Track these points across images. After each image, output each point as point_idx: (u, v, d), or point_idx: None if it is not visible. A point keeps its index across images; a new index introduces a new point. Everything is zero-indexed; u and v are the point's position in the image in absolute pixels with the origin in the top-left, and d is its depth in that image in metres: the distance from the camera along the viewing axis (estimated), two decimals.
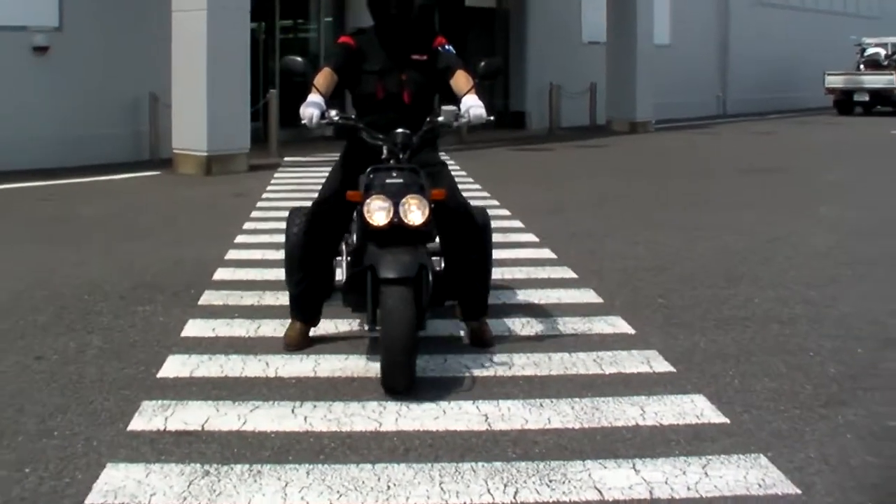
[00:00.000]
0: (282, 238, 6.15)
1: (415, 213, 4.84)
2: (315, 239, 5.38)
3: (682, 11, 29.68)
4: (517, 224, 9.90)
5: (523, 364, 5.31)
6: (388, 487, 3.79)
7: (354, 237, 5.26)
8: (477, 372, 5.17)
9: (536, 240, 9.07)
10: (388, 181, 4.92)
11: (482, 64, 5.45)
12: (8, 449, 4.13)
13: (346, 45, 5.51)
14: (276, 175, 14.35)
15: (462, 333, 5.78)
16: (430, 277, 4.86)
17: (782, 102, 34.19)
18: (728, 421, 4.52)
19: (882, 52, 33.35)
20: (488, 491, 3.76)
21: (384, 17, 5.43)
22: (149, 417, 4.50)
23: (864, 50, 33.92)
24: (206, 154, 14.35)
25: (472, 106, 5.20)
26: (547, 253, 8.45)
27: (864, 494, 3.80)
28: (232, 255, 8.28)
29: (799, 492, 3.79)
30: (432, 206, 4.92)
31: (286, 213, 6.25)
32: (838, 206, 11.51)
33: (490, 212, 7.39)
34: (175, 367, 5.26)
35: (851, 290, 7.24)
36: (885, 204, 11.73)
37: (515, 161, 17.53)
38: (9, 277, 7.41)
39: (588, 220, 10.45)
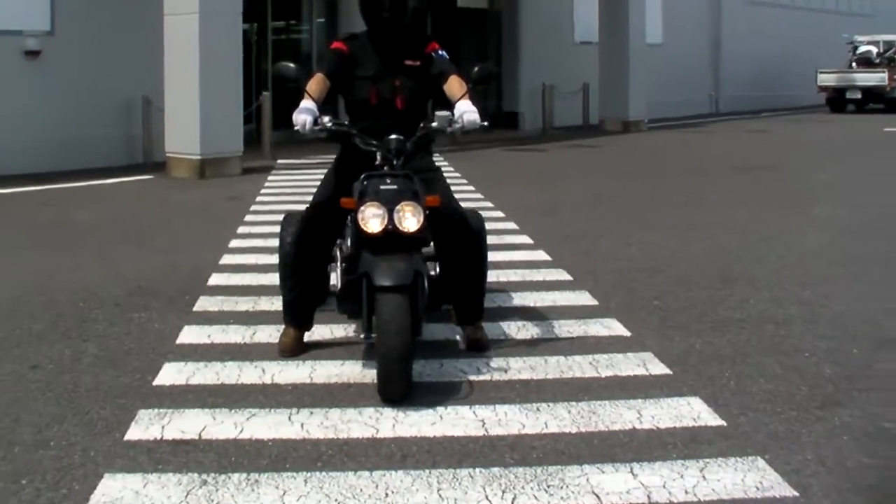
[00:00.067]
0: (276, 242, 6.16)
1: (409, 219, 4.84)
2: (308, 245, 5.37)
3: (675, 10, 29.71)
4: (511, 226, 9.90)
5: (519, 368, 5.31)
6: (386, 495, 3.79)
7: (348, 242, 5.26)
8: (473, 377, 5.17)
9: (531, 242, 9.07)
10: (382, 188, 4.91)
11: (475, 69, 5.45)
12: (4, 460, 4.12)
13: (338, 50, 5.50)
14: (269, 178, 14.35)
15: (458, 338, 5.78)
16: (426, 284, 4.86)
17: (775, 100, 34.24)
18: (725, 423, 4.52)
19: (874, 49, 33.44)
20: (486, 497, 3.76)
21: (377, 22, 5.42)
22: (145, 426, 4.49)
23: (856, 48, 33.99)
24: (199, 157, 14.33)
25: (466, 111, 5.20)
26: (541, 255, 8.46)
27: (861, 496, 3.81)
28: (226, 259, 8.28)
29: (796, 494, 3.80)
30: (427, 212, 4.91)
31: (280, 217, 6.25)
32: (831, 204, 11.54)
33: (484, 214, 7.39)
34: (171, 374, 5.25)
35: (846, 289, 7.25)
36: (878, 202, 11.76)
37: (509, 162, 17.54)
38: (4, 284, 7.39)
39: (582, 220, 10.46)
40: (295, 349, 5.55)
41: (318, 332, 5.81)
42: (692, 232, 9.65)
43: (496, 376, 5.18)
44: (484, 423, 4.51)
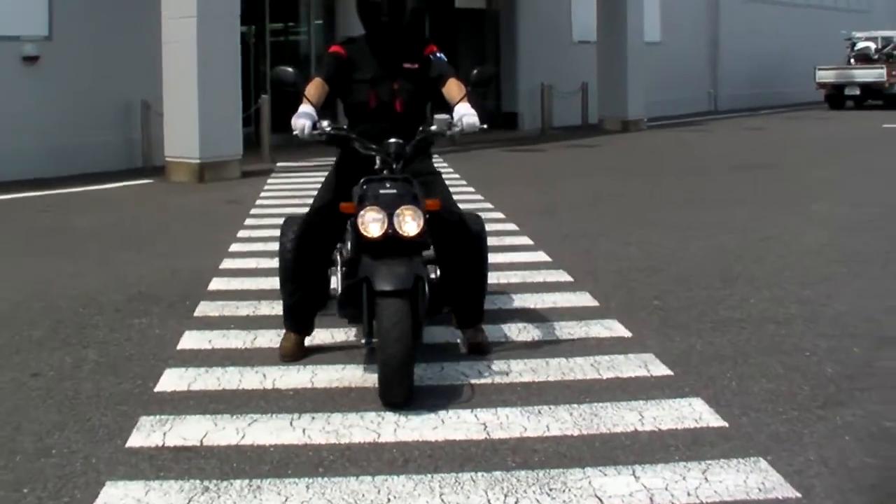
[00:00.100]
0: (276, 246, 6.16)
1: (409, 224, 4.83)
2: (308, 250, 5.36)
3: (672, 8, 29.73)
4: (511, 227, 9.90)
5: (521, 370, 5.31)
6: (389, 500, 3.78)
7: (349, 246, 5.25)
8: (474, 380, 5.17)
9: (531, 242, 9.07)
10: (381, 192, 4.90)
11: (474, 72, 5.43)
12: (6, 469, 4.11)
13: (336, 54, 5.50)
14: (269, 181, 14.35)
15: (459, 341, 5.77)
16: (426, 288, 4.86)
17: (773, 98, 34.25)
18: (726, 424, 4.52)
19: (872, 45, 33.43)
20: (488, 501, 3.76)
21: (375, 24, 5.42)
22: (147, 433, 4.49)
23: (854, 44, 34.00)
24: (198, 161, 14.34)
25: (465, 114, 5.19)
26: (542, 256, 8.45)
27: (863, 496, 3.80)
28: (227, 264, 8.27)
29: (799, 495, 3.80)
30: (427, 216, 4.91)
31: (280, 221, 6.25)
32: (830, 202, 11.54)
33: (484, 214, 7.40)
34: (172, 380, 5.25)
35: (846, 287, 7.26)
36: (877, 200, 11.74)
37: (508, 162, 17.55)
38: (5, 290, 7.39)
39: (582, 220, 10.47)
40: (296, 354, 5.55)
41: (319, 336, 5.81)
42: (692, 231, 9.65)
43: (497, 379, 5.18)
44: (486, 427, 4.51)
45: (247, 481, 3.95)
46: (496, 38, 25.28)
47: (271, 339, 5.91)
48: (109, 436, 4.48)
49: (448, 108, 5.35)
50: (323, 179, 5.64)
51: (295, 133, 5.13)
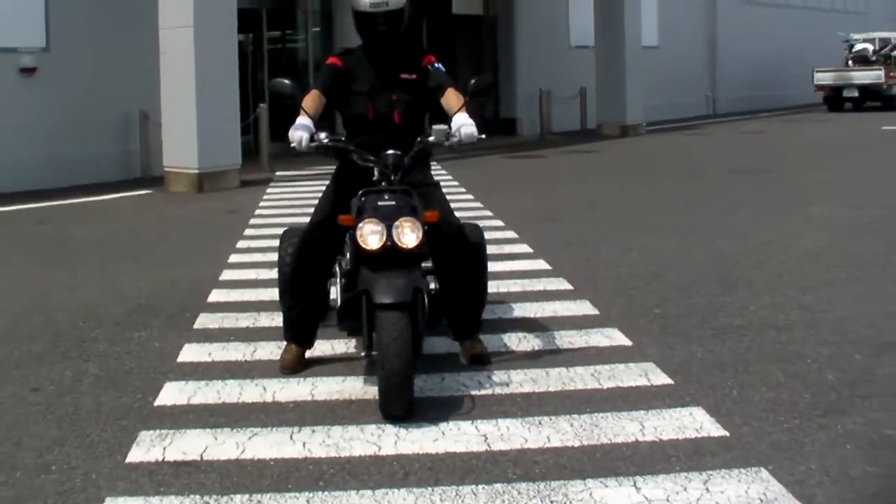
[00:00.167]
0: (275, 257, 6.15)
1: (408, 235, 4.82)
2: (308, 264, 5.36)
3: (670, 12, 29.74)
4: (511, 235, 9.90)
5: (521, 381, 5.30)
6: None
7: (348, 257, 5.25)
8: (475, 391, 5.16)
9: (531, 250, 9.06)
10: (380, 204, 4.90)
11: (472, 82, 5.43)
12: (6, 486, 4.11)
13: (333, 66, 5.49)
14: (268, 190, 14.35)
15: (459, 352, 5.76)
16: (426, 300, 4.85)
17: (772, 100, 34.27)
18: (727, 434, 4.51)
19: (870, 47, 33.45)
20: None
21: (372, 36, 5.41)
22: (147, 448, 4.48)
23: (852, 46, 34.01)
24: (197, 171, 14.34)
25: (464, 125, 5.18)
26: (542, 264, 8.44)
27: None
28: (226, 275, 8.26)
29: None
30: (425, 227, 4.90)
31: (279, 231, 6.25)
32: (829, 205, 11.54)
33: (483, 222, 7.41)
34: (172, 394, 5.24)
35: (846, 292, 7.25)
36: (876, 203, 11.73)
37: (508, 169, 17.55)
38: (4, 303, 7.39)
39: (582, 227, 10.47)
40: (296, 366, 5.54)
41: (319, 347, 5.79)
42: (692, 236, 9.65)
43: (498, 390, 5.17)
44: (486, 438, 4.50)
45: (247, 496, 3.95)
46: (494, 44, 25.29)
47: (271, 351, 5.91)
48: (109, 451, 4.47)
49: (446, 118, 5.34)
50: (322, 189, 5.63)
51: (293, 145, 5.13)
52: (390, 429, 4.63)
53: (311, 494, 3.96)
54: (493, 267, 6.75)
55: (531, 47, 24.84)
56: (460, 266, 5.31)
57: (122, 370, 5.71)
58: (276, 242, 6.14)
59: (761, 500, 3.83)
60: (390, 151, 5.12)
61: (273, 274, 6.78)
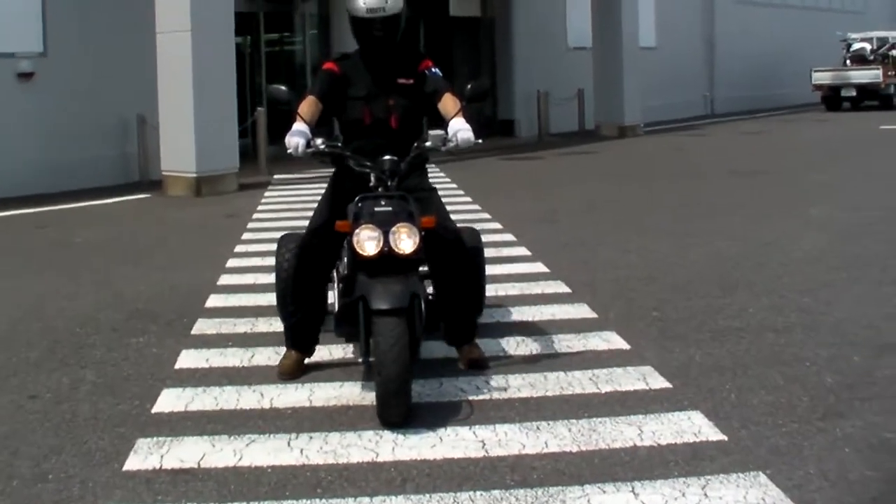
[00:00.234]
0: (273, 261, 6.14)
1: (405, 241, 4.81)
2: (307, 270, 5.34)
3: (667, 13, 29.74)
4: (509, 237, 9.88)
5: (519, 385, 5.29)
6: None
7: (346, 261, 5.24)
8: (472, 396, 5.14)
9: (529, 253, 9.05)
10: (376, 209, 4.89)
11: (469, 87, 5.42)
12: (3, 495, 4.10)
13: (329, 71, 5.49)
14: (266, 194, 14.34)
15: (458, 356, 5.74)
16: (423, 305, 4.84)
17: (770, 100, 34.26)
18: (726, 438, 4.50)
19: (868, 46, 33.46)
20: None
21: (369, 41, 5.40)
22: (144, 456, 4.46)
23: (849, 45, 34.01)
24: (195, 175, 14.33)
25: (460, 130, 5.18)
26: (540, 267, 8.43)
27: None
28: (224, 280, 8.25)
29: None
30: (422, 233, 4.89)
31: (277, 235, 6.23)
32: (828, 206, 11.54)
33: (481, 225, 7.40)
34: (169, 400, 5.23)
35: (845, 294, 7.24)
36: (875, 203, 11.73)
37: (506, 170, 17.54)
38: (2, 309, 7.38)
39: (580, 229, 10.46)
40: (295, 372, 5.52)
41: (317, 353, 5.75)
42: (690, 238, 9.64)
43: (496, 395, 5.15)
44: (484, 444, 4.49)
45: None
46: (491, 46, 25.29)
47: (269, 356, 5.90)
48: (106, 459, 4.46)
49: (443, 123, 5.34)
50: (320, 192, 5.62)
51: (289, 151, 5.13)
52: (388, 435, 4.62)
53: (308, 502, 3.95)
54: (490, 270, 6.74)
55: (529, 48, 24.83)
56: (457, 272, 5.31)
57: (119, 377, 5.70)
58: (274, 247, 6.13)
59: None
60: (387, 157, 5.12)
61: (270, 278, 6.76)
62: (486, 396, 5.13)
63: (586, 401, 5.05)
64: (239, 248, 9.74)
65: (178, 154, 14.48)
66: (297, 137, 5.10)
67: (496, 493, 3.98)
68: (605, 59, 24.20)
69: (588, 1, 24.66)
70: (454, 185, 14.18)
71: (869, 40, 33.90)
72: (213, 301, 7.48)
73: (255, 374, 5.62)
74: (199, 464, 4.36)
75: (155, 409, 5.11)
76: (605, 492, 3.96)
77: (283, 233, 6.36)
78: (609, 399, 5.08)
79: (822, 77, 32.44)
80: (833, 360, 5.64)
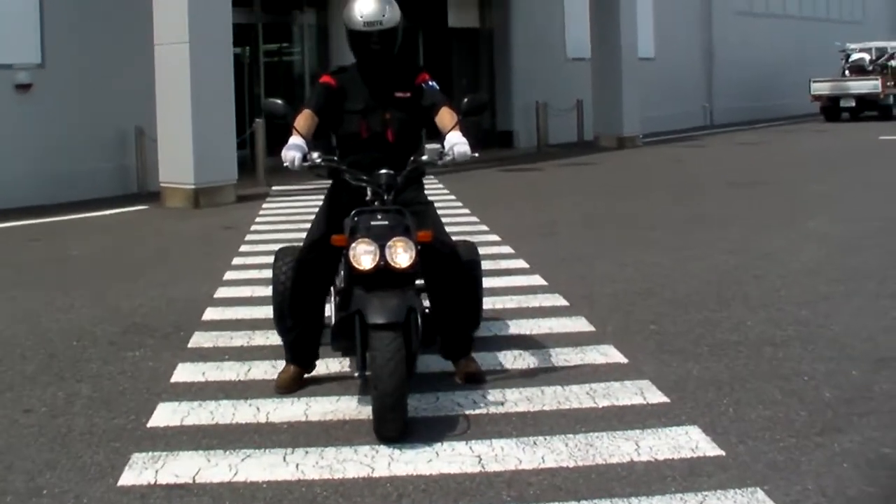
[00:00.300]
0: (270, 274, 6.12)
1: (401, 255, 4.80)
2: (304, 285, 5.33)
3: (666, 24, 29.76)
4: (507, 250, 9.86)
5: (516, 399, 5.27)
6: None
7: (343, 275, 5.23)
8: (469, 410, 5.12)
9: (527, 266, 9.03)
10: (373, 223, 4.88)
11: (465, 100, 5.39)
12: None
13: (326, 84, 5.48)
14: (264, 205, 14.33)
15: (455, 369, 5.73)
16: (420, 319, 4.82)
17: (769, 110, 34.28)
18: (723, 453, 4.48)
19: (867, 57, 33.48)
20: None
21: (366, 54, 5.39)
22: (139, 471, 4.44)
23: (848, 55, 34.03)
24: (193, 187, 14.32)
25: (457, 143, 5.17)
26: (538, 280, 8.41)
27: None
28: (221, 292, 8.23)
29: None
30: (419, 247, 4.88)
31: (275, 247, 6.21)
32: (827, 218, 11.53)
33: (479, 237, 7.38)
34: (165, 415, 5.21)
35: (844, 306, 7.23)
36: (874, 215, 11.72)
37: (504, 182, 17.53)
38: None
39: (578, 241, 10.44)
40: (292, 386, 5.50)
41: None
42: (688, 250, 9.62)
43: (492, 409, 5.13)
44: (480, 459, 4.47)
45: None
46: (490, 57, 25.30)
47: (266, 370, 5.88)
48: (101, 474, 4.44)
49: (440, 136, 5.33)
50: (319, 204, 5.60)
51: (285, 165, 5.12)
52: (384, 450, 4.60)
53: None
54: (488, 283, 6.73)
55: (527, 60, 24.85)
56: (453, 286, 5.29)
57: (115, 391, 5.68)
58: (272, 259, 6.12)
59: None
60: (383, 171, 5.11)
61: (267, 291, 6.75)
62: (483, 411, 5.11)
63: (583, 415, 5.03)
64: (237, 261, 9.72)
65: (176, 165, 14.48)
66: (293, 151, 5.09)
67: None
68: (603, 70, 24.22)
69: (587, 12, 24.69)
70: (453, 197, 14.18)
71: (868, 51, 33.94)
72: (210, 314, 7.46)
73: (251, 388, 5.60)
74: (194, 479, 4.34)
75: (150, 424, 5.09)
76: None
77: (280, 245, 6.35)
78: (606, 413, 5.06)
79: (821, 87, 32.46)
80: (831, 374, 5.62)
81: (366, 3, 5.26)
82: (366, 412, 4.96)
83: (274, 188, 16.07)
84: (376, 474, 4.35)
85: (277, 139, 5.63)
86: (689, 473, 4.26)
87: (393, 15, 5.29)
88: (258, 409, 5.24)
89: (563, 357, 6.05)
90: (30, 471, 4.49)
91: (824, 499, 3.99)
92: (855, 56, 33.79)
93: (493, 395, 5.34)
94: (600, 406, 5.17)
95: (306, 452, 4.61)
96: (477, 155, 5.35)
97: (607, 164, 20.19)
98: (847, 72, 33.45)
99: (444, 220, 5.68)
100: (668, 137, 26.01)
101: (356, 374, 4.96)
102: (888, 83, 31.85)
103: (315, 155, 5.12)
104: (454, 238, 5.65)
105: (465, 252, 5.70)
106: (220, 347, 6.52)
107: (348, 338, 4.90)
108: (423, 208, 5.32)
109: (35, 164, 14.93)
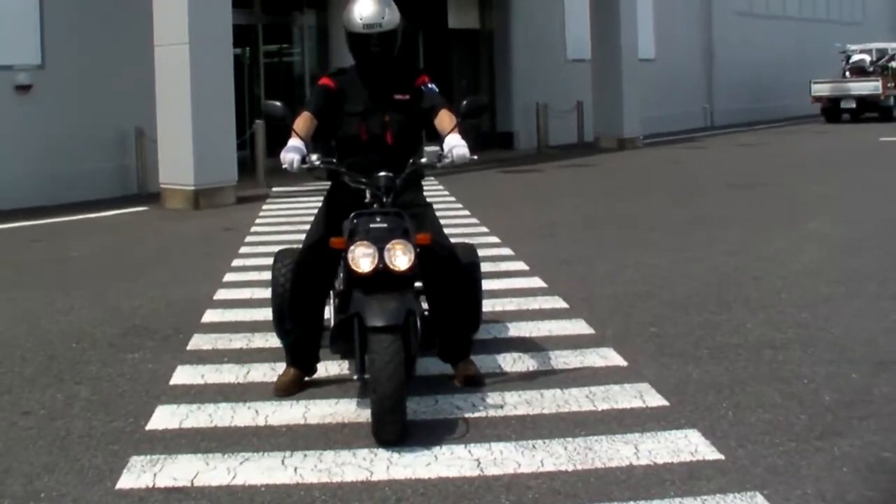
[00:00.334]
0: (269, 276, 6.11)
1: (400, 258, 4.79)
2: (304, 288, 5.32)
3: (666, 25, 29.74)
4: (507, 252, 9.85)
5: (515, 403, 5.26)
6: None
7: (342, 277, 5.22)
8: (468, 413, 5.11)
9: (526, 268, 9.02)
10: (371, 226, 4.87)
11: (465, 103, 5.39)
12: None
13: (325, 87, 5.47)
14: (264, 207, 14.32)
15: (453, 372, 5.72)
16: (419, 322, 4.81)
17: (769, 111, 34.27)
18: (723, 457, 4.47)
19: (867, 58, 33.45)
20: None
21: (365, 56, 5.38)
22: (137, 474, 4.43)
23: (849, 57, 34.02)
24: (193, 188, 14.31)
25: (456, 146, 5.17)
26: (537, 282, 8.40)
27: None
28: (221, 294, 8.22)
29: None
30: (417, 250, 4.87)
31: (275, 249, 6.19)
32: (828, 219, 11.52)
33: (479, 239, 7.37)
34: (164, 417, 5.20)
35: (844, 308, 7.22)
36: (874, 216, 11.72)
37: (504, 183, 17.51)
38: None
39: (578, 243, 10.43)
40: (291, 389, 5.48)
41: None
42: (688, 252, 9.61)
43: (492, 412, 5.12)
44: (479, 463, 4.46)
45: None
46: (490, 58, 25.29)
47: (265, 373, 5.87)
48: (99, 477, 4.43)
49: (439, 138, 5.32)
50: (319, 204, 5.59)
51: (284, 167, 5.11)
52: (383, 453, 4.59)
53: None
54: (488, 285, 6.72)
55: (528, 61, 24.84)
56: (452, 288, 5.28)
57: (114, 393, 5.67)
58: (272, 261, 6.11)
59: None
60: (382, 173, 5.10)
61: (267, 293, 6.74)
62: (482, 414, 5.10)
63: (583, 419, 5.02)
64: (236, 262, 9.72)
65: (176, 166, 14.47)
66: (291, 153, 5.08)
67: None
68: (604, 71, 24.20)
69: (587, 13, 24.67)
70: (452, 198, 14.17)
71: (868, 52, 33.92)
72: (210, 316, 7.46)
73: (250, 391, 5.60)
74: (192, 482, 4.33)
75: (149, 427, 5.08)
76: None
77: (280, 247, 6.34)
78: (606, 417, 5.05)
79: (822, 89, 32.45)
80: (831, 377, 5.61)
81: (365, 5, 5.25)
82: (365, 415, 4.96)
83: (274, 189, 16.05)
84: (375, 478, 4.34)
85: (277, 140, 5.62)
86: (689, 477, 4.25)
87: (392, 17, 5.28)
88: (257, 412, 5.23)
89: (563, 360, 6.04)
90: (28, 474, 4.48)
91: (824, 503, 3.97)
92: (855, 57, 33.77)
93: (493, 398, 5.33)
94: (599, 409, 5.16)
95: (305, 456, 4.60)
96: (476, 157, 5.35)
97: (607, 165, 20.18)
98: (847, 73, 33.44)
99: (443, 221, 5.68)
100: (669, 138, 26.00)
101: (355, 377, 4.95)
102: (889, 84, 31.84)
103: (314, 157, 5.11)
104: (453, 240, 5.64)
105: (465, 254, 5.69)
106: (220, 350, 6.51)
107: (347, 340, 4.88)
108: (422, 210, 5.32)
109: (35, 165, 14.93)
